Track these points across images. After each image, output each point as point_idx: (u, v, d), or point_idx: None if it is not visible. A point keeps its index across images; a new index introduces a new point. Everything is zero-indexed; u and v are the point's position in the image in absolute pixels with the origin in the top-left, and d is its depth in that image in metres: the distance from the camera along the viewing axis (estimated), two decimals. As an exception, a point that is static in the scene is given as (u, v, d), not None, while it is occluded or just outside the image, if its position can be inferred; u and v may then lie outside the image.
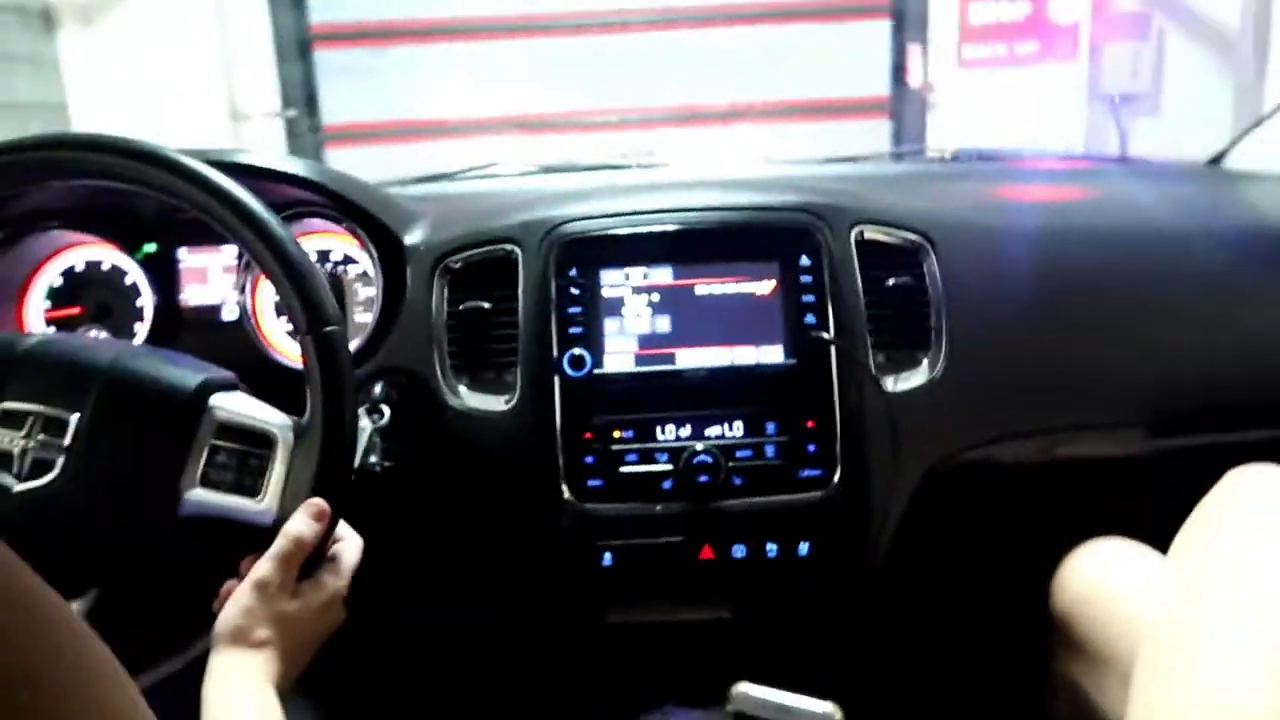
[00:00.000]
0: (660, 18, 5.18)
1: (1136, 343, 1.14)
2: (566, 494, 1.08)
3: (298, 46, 5.26)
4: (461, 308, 1.12)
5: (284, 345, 1.19)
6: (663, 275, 1.12)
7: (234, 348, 1.08)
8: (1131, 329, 1.14)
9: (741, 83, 5.13)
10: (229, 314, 1.21)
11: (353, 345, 1.11)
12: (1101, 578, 1.02)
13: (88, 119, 4.91)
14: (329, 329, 0.84)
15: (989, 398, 1.11)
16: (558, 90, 5.21)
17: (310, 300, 0.84)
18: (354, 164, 1.14)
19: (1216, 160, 1.43)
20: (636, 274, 1.11)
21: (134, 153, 0.81)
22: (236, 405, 0.87)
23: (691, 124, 5.24)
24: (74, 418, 0.82)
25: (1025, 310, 1.12)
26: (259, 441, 0.86)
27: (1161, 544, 0.95)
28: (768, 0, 5.09)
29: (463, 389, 1.13)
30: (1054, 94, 4.75)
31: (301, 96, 5.30)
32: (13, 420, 0.82)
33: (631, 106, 5.23)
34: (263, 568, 0.80)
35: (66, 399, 0.83)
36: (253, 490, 0.85)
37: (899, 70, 5.01)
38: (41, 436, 0.82)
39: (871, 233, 1.13)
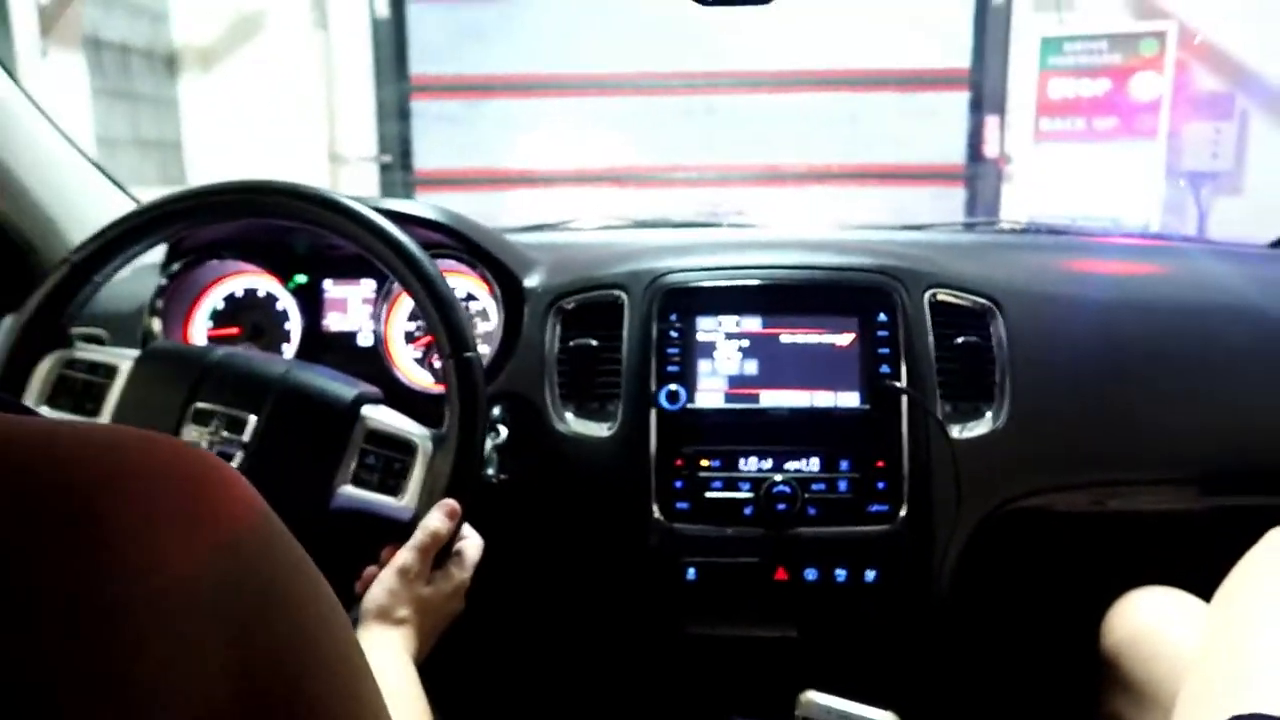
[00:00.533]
0: (745, 82, 5.32)
1: (1191, 410, 1.20)
2: (656, 514, 1.17)
3: (397, 97, 5.55)
4: (572, 344, 1.23)
5: (409, 369, 1.33)
6: (752, 324, 1.21)
7: (367, 369, 1.20)
8: (1187, 396, 1.20)
9: (821, 146, 5.24)
10: (364, 340, 1.34)
11: None
12: (1149, 621, 1.09)
13: (201, 156, 5.24)
14: (469, 354, 0.98)
15: (1047, 451, 1.18)
16: (643, 146, 5.39)
17: (455, 329, 0.97)
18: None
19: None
20: (729, 321, 1.21)
21: (324, 202, 0.97)
22: (384, 416, 1.00)
23: (771, 184, 5.34)
24: (252, 419, 0.97)
25: (1085, 373, 1.19)
26: (402, 448, 0.99)
27: (1205, 593, 1.01)
28: (850, 68, 5.19)
29: (569, 416, 1.23)
30: (1133, 170, 4.75)
31: (396, 143, 5.58)
32: (202, 418, 0.98)
33: (714, 164, 5.37)
34: (404, 555, 0.92)
35: (247, 402, 0.97)
36: (395, 490, 0.98)
37: (975, 141, 5.10)
38: (225, 433, 0.97)
39: (944, 295, 1.22)
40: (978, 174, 5.09)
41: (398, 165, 5.60)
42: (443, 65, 5.52)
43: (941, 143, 5.15)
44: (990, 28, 5.03)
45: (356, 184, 5.51)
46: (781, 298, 1.21)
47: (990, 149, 5.05)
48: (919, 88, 5.14)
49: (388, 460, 0.99)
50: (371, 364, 1.30)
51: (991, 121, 5.05)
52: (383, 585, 0.91)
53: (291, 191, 0.97)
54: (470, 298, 1.35)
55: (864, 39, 5.06)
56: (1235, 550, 1.00)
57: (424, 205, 1.29)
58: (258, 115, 5.16)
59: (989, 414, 1.19)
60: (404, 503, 0.98)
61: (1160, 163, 4.71)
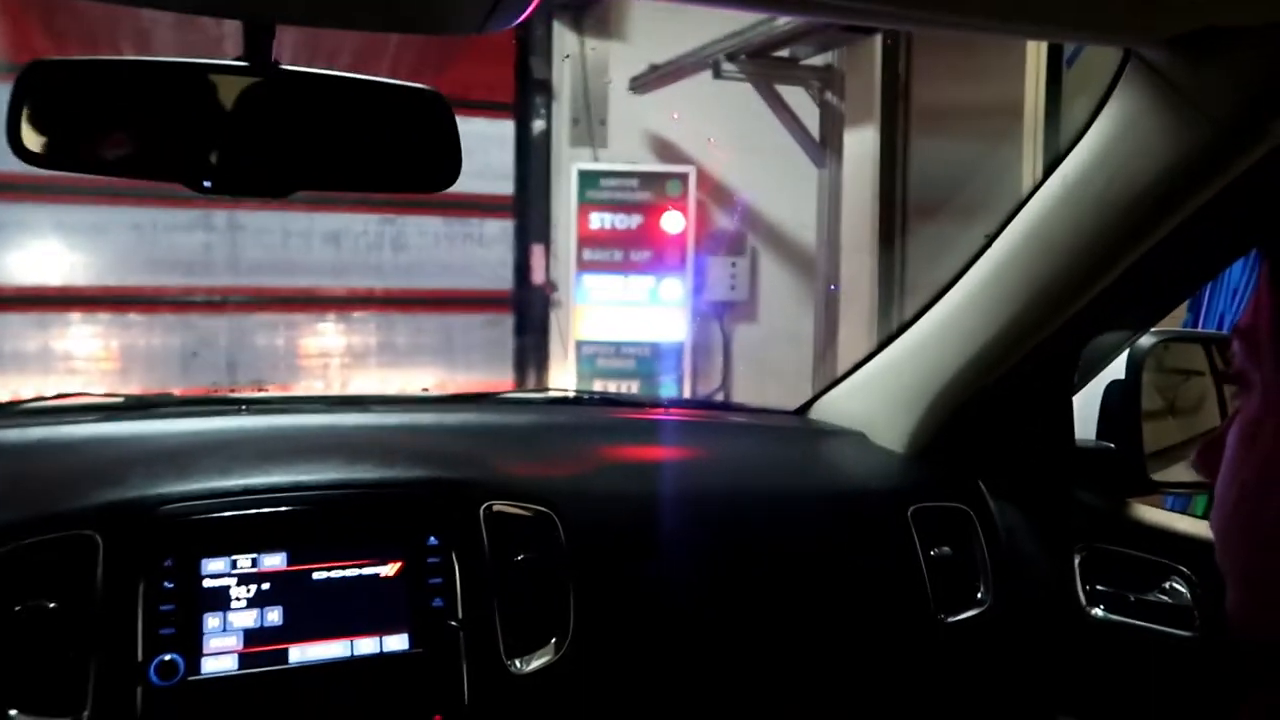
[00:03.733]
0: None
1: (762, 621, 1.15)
2: None
3: None
4: (17, 609, 0.89)
5: None
6: (275, 560, 0.99)
7: None
8: (751, 607, 1.15)
9: (364, 270, 4.91)
10: None
11: None
12: None
13: None
14: None
15: (622, 683, 1.08)
16: (150, 263, 4.65)
17: None
18: None
19: (804, 409, 1.51)
20: (244, 561, 0.98)
21: None
22: None
23: (309, 309, 4.88)
24: None
25: (647, 582, 1.11)
26: None
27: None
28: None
29: (13, 712, 0.90)
30: (667, 297, 4.99)
31: None
32: None
33: (240, 286, 4.77)
34: None
35: None
36: None
37: (523, 268, 5.06)
38: None
39: (501, 506, 1.08)
40: (526, 300, 5.07)
41: None
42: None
43: (490, 269, 5.08)
44: (531, 157, 5.07)
45: None
46: (312, 524, 1.01)
47: (537, 276, 5.05)
48: (466, 213, 5.02)
49: None
50: None
51: (537, 250, 5.07)
52: None
53: None
54: None
55: (406, 160, 4.80)
56: None
57: None
58: None
59: (554, 641, 1.05)
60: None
61: (687, 292, 4.99)
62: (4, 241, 4.48)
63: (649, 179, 4.96)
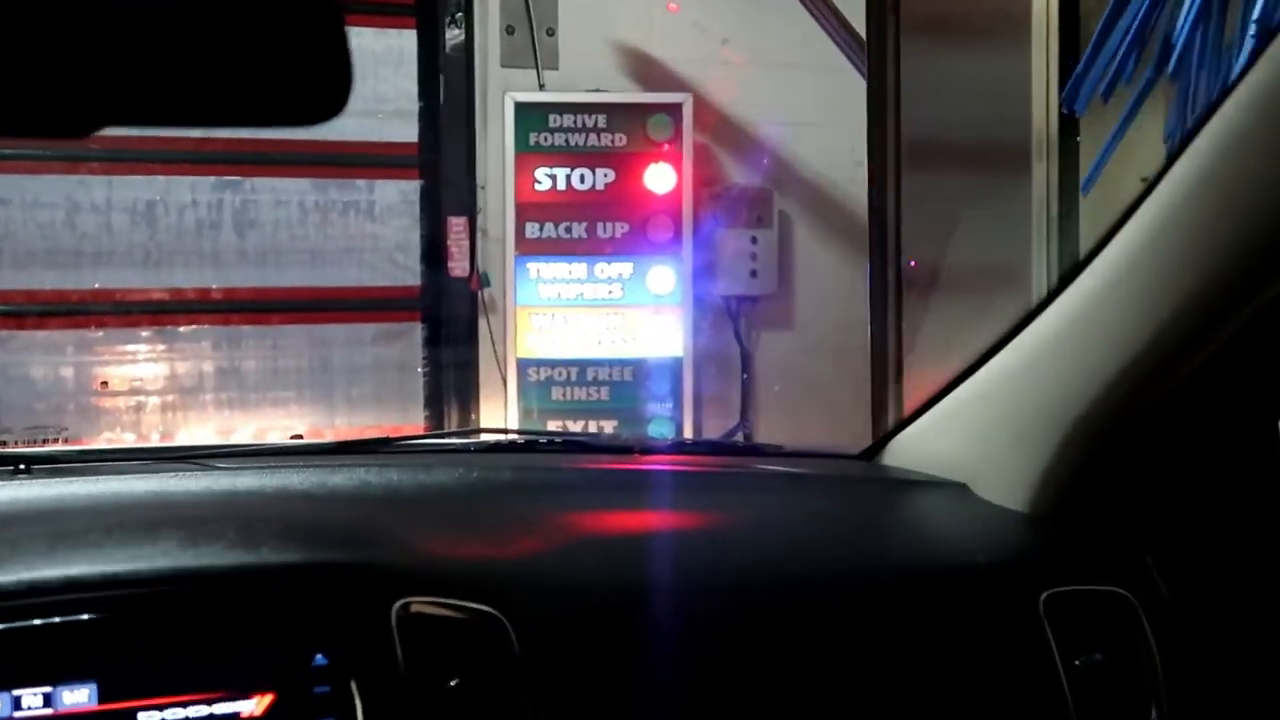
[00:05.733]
0: (47, 154, 3.41)
1: None
2: None
3: None
4: None
5: None
6: (78, 697, 0.81)
7: None
8: None
9: (195, 261, 3.59)
10: None
11: None
12: None
13: None
14: None
15: None
16: None
17: None
18: None
19: (872, 452, 1.32)
20: (32, 698, 0.79)
21: None
22: None
23: (111, 323, 3.53)
24: None
25: (650, 716, 0.93)
26: None
27: None
28: (238, 135, 3.51)
29: None
30: (656, 290, 3.70)
31: None
32: None
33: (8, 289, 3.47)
34: None
35: None
36: None
37: (434, 254, 3.70)
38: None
39: (421, 605, 0.89)
40: (441, 302, 3.69)
41: None
42: None
43: (385, 256, 3.73)
44: (444, 85, 3.69)
45: None
46: (133, 639, 0.83)
47: (456, 266, 3.66)
48: (347, 170, 3.66)
49: None
50: None
51: (456, 225, 3.65)
52: None
53: None
54: None
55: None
56: None
57: None
58: None
59: None
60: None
61: (684, 284, 3.66)
62: None
63: (622, 114, 3.72)
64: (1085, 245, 3.11)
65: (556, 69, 3.77)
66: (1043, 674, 0.99)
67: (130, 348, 3.51)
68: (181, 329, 3.51)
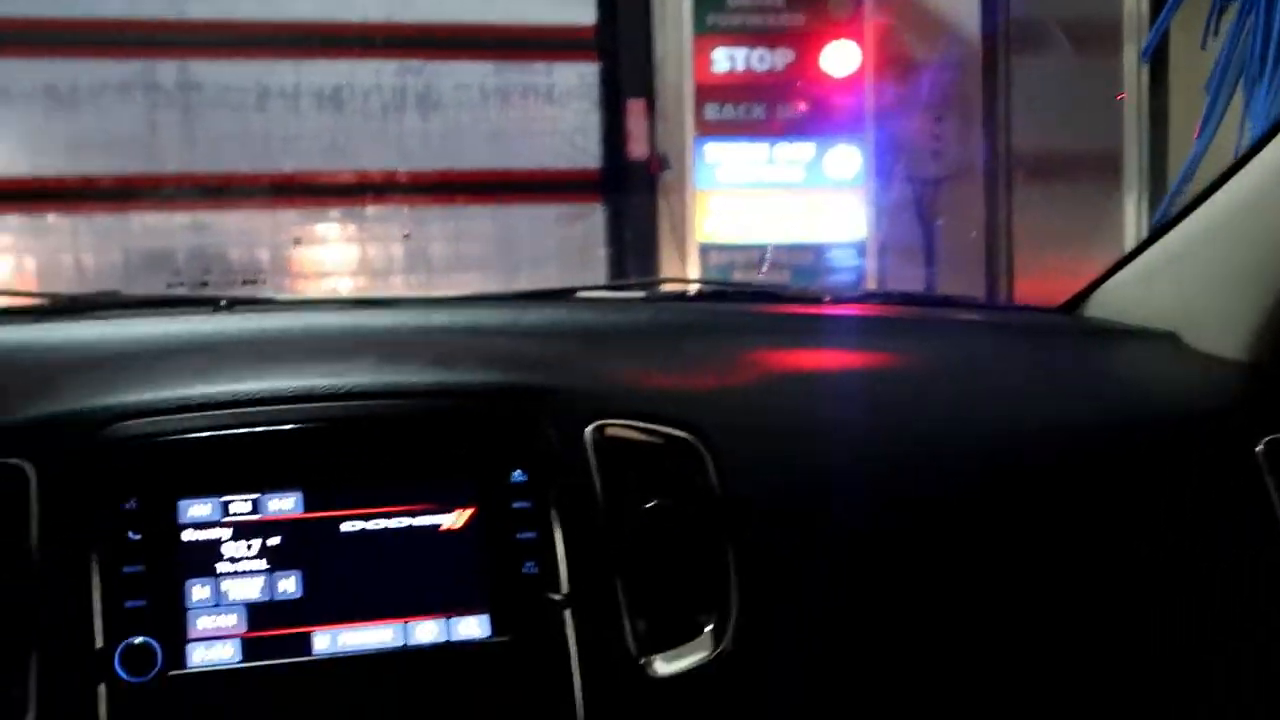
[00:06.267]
0: (242, 39, 3.44)
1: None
2: None
3: None
4: None
5: None
6: (286, 504, 0.81)
7: None
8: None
9: (373, 145, 3.58)
10: None
11: None
12: None
13: None
14: None
15: (802, 679, 0.87)
16: (67, 144, 3.45)
17: None
18: None
19: (1073, 305, 1.27)
20: (241, 504, 0.80)
21: None
22: None
23: (301, 204, 3.55)
24: None
25: (855, 552, 0.89)
26: None
27: None
28: (414, 20, 3.48)
29: None
30: (835, 177, 3.55)
31: None
32: None
33: (197, 172, 3.50)
34: None
35: None
36: None
37: (614, 137, 3.64)
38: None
39: (618, 429, 0.88)
40: (620, 184, 3.64)
41: None
42: None
43: (564, 139, 3.68)
44: None
45: None
46: (336, 450, 0.84)
47: (636, 148, 3.60)
48: (525, 54, 3.60)
49: None
50: None
51: (635, 107, 3.60)
52: None
53: None
54: None
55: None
56: None
57: None
58: None
59: (709, 630, 0.85)
60: None
61: (867, 166, 3.54)
62: None
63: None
64: (1176, 129, 3.02)
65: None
66: (1261, 522, 0.97)
67: (319, 229, 3.56)
68: (368, 212, 3.53)
